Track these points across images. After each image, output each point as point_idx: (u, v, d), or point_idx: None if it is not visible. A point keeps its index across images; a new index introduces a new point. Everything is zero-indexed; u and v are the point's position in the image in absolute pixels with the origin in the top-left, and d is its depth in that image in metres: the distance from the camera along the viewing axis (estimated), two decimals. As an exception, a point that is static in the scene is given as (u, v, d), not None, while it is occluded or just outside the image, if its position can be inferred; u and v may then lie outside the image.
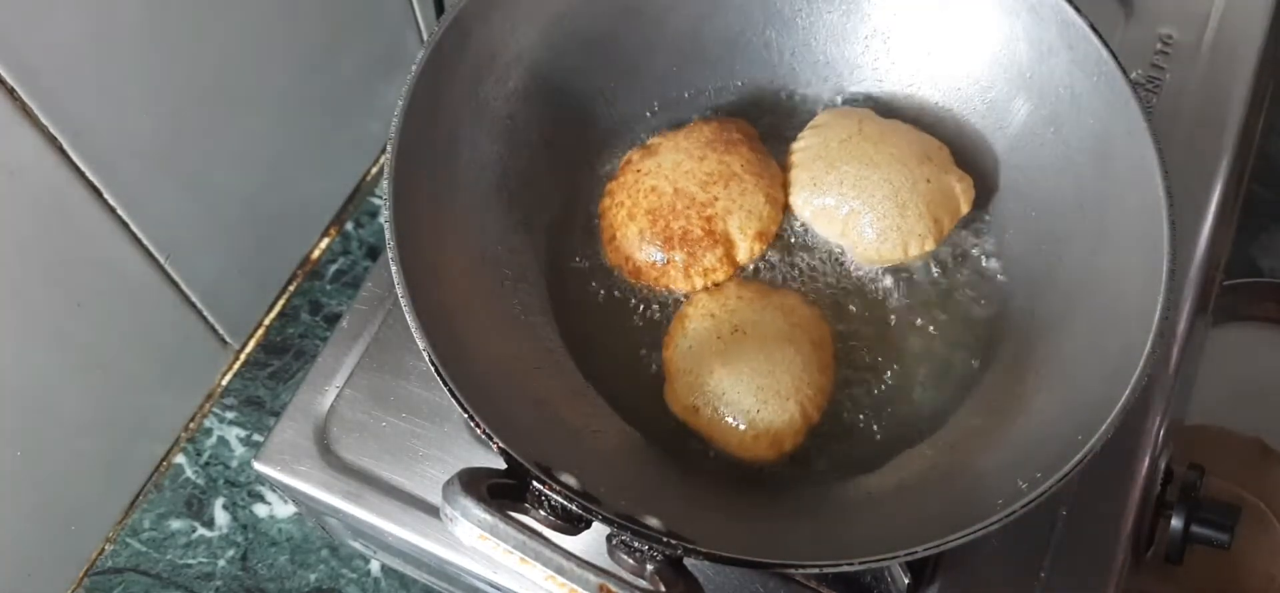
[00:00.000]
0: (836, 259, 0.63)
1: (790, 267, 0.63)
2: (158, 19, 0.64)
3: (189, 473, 0.79)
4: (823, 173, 0.62)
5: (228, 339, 0.81)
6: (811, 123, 0.65)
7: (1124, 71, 0.56)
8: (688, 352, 0.58)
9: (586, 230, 0.64)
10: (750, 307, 0.59)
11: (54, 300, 0.65)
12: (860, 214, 0.61)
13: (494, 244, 0.60)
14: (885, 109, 0.65)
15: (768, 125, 0.66)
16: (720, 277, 0.61)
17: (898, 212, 0.60)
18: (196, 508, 0.78)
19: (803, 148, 0.64)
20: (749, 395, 0.57)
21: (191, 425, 0.80)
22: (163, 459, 0.79)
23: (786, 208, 0.63)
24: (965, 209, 0.61)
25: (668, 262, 0.60)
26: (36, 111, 0.59)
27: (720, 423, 0.57)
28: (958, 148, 0.63)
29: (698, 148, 0.62)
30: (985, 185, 0.63)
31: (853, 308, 0.61)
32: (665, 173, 0.62)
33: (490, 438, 0.47)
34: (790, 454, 0.57)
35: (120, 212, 0.67)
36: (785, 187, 0.63)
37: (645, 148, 0.64)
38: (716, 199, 0.61)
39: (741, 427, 0.57)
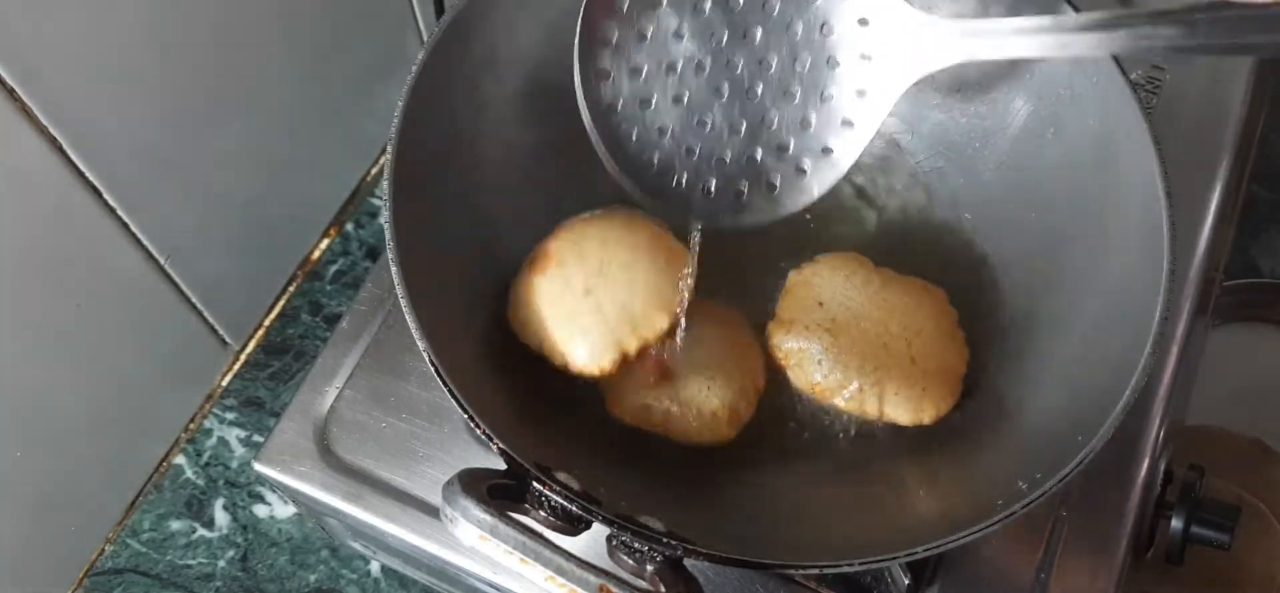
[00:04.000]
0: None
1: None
2: (158, 20, 0.64)
3: (189, 474, 0.79)
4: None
5: (228, 340, 0.81)
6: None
7: (1124, 72, 0.56)
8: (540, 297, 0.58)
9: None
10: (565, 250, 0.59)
11: (54, 301, 0.65)
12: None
13: (494, 244, 0.60)
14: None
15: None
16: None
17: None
18: (196, 509, 0.78)
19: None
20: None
21: (191, 426, 0.80)
22: (163, 460, 0.79)
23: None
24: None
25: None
26: (37, 113, 0.59)
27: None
28: (957, 148, 0.64)
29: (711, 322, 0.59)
30: (986, 184, 0.63)
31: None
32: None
33: (490, 439, 0.47)
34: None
35: (120, 212, 0.67)
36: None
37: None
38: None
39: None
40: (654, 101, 0.52)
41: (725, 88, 0.52)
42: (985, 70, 0.63)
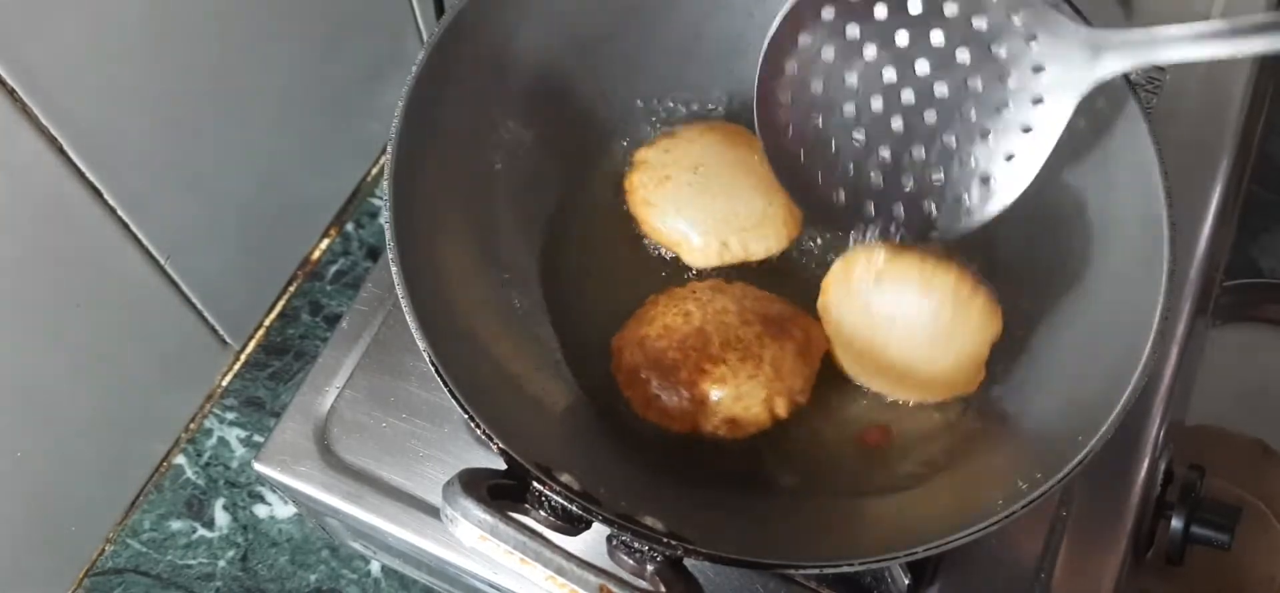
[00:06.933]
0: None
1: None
2: (158, 19, 0.64)
3: (189, 474, 0.79)
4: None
5: (228, 340, 0.81)
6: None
7: (1125, 72, 0.56)
8: (652, 188, 0.62)
9: (586, 231, 0.64)
10: (691, 142, 0.62)
11: (54, 301, 0.65)
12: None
13: (493, 244, 0.60)
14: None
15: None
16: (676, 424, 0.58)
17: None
18: (197, 509, 0.78)
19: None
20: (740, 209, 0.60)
21: (192, 426, 0.80)
22: (163, 460, 0.79)
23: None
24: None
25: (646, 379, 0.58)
26: (37, 112, 0.59)
27: (709, 248, 0.60)
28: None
29: (745, 302, 0.59)
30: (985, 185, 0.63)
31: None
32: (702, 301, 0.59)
33: (490, 439, 0.47)
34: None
35: (120, 212, 0.67)
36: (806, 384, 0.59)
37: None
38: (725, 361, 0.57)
39: (730, 241, 0.60)
40: (821, 124, 0.54)
41: (895, 115, 0.53)
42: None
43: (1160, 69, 0.74)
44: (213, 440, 0.80)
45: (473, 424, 0.48)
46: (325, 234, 0.87)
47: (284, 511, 0.77)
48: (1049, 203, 0.60)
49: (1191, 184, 0.69)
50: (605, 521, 0.46)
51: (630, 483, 0.53)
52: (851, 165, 0.55)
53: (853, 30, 0.53)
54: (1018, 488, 0.48)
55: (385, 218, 0.52)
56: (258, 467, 0.64)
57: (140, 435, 0.77)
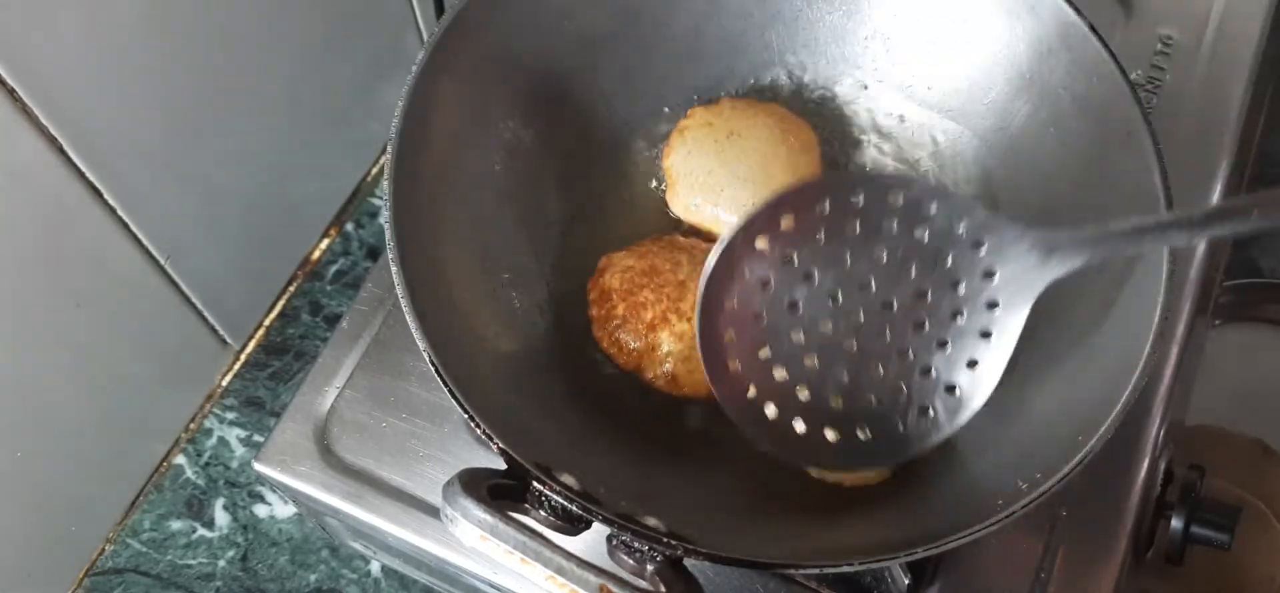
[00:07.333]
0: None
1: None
2: (158, 19, 0.64)
3: (189, 473, 0.79)
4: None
5: (228, 340, 0.81)
6: None
7: (1124, 72, 0.56)
8: (687, 156, 0.63)
9: (586, 230, 0.64)
10: (742, 114, 0.64)
11: (54, 301, 0.65)
12: None
13: (494, 244, 0.60)
14: (884, 108, 0.66)
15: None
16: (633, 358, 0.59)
17: None
18: (197, 508, 0.78)
19: None
20: (745, 189, 0.62)
21: (192, 426, 0.80)
22: (163, 460, 0.79)
23: None
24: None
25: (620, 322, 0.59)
26: (37, 112, 0.59)
27: (719, 220, 0.62)
28: (956, 149, 0.63)
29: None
30: (986, 186, 0.63)
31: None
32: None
33: (490, 438, 0.47)
34: None
35: (120, 212, 0.67)
36: None
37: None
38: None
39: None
40: (770, 355, 0.51)
41: (848, 336, 0.50)
42: (985, 72, 0.63)
43: (1160, 69, 0.74)
44: (213, 440, 0.80)
45: (473, 424, 0.48)
46: (325, 234, 0.87)
47: (284, 510, 0.77)
48: (1049, 203, 0.60)
49: (1191, 184, 0.69)
50: (605, 521, 0.46)
51: (630, 483, 0.53)
52: (807, 392, 0.51)
53: (793, 257, 0.49)
54: (1018, 488, 0.48)
55: (385, 218, 0.52)
56: (258, 467, 0.64)
57: (140, 435, 0.77)
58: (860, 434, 0.51)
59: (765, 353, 0.51)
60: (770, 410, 0.51)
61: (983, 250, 0.48)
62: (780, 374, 0.51)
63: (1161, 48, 0.75)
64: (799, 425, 0.51)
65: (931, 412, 0.50)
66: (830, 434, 0.51)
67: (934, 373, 0.50)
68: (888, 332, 0.50)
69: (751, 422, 0.51)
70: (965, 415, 0.50)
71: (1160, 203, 0.52)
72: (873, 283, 0.50)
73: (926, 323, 0.50)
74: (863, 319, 0.50)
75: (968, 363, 0.50)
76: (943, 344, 0.50)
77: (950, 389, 0.50)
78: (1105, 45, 0.56)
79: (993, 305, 0.49)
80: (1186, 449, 0.71)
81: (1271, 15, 0.77)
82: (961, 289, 0.49)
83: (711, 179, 0.63)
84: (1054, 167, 0.60)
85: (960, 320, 0.50)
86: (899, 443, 0.51)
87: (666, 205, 0.65)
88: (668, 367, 0.58)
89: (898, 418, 0.51)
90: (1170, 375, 0.65)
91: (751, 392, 0.51)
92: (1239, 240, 0.96)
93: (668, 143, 0.65)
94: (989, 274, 0.49)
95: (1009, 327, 0.49)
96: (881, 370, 0.50)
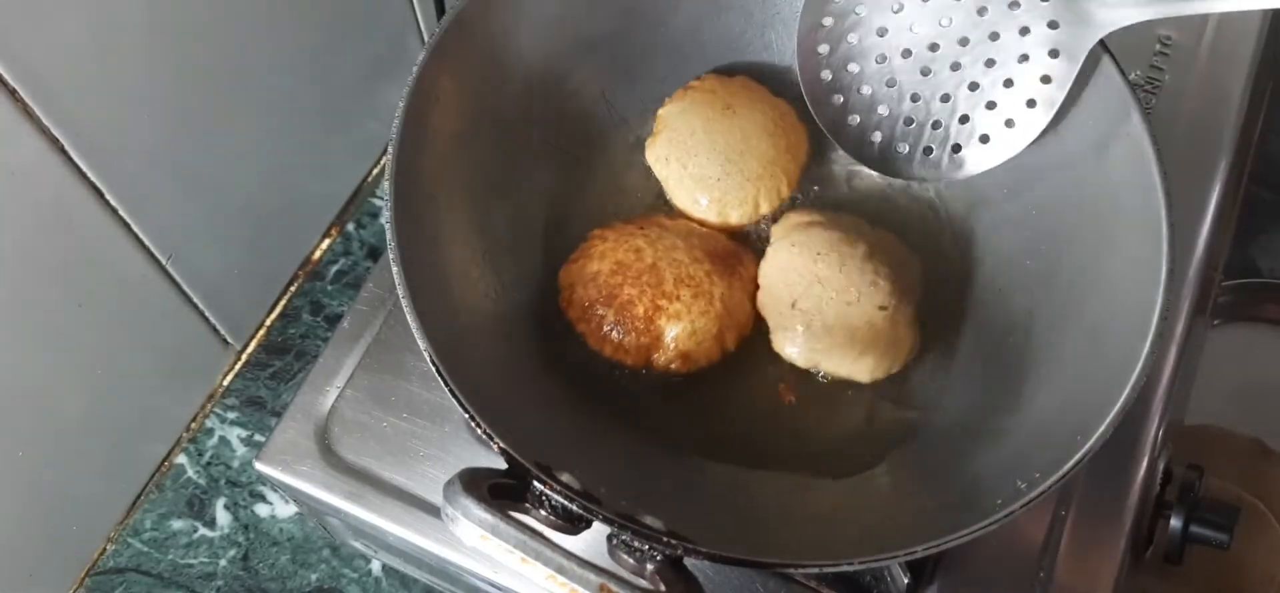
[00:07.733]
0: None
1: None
2: (159, 20, 0.64)
3: (190, 473, 0.79)
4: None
5: (229, 340, 0.81)
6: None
7: (1124, 72, 0.56)
8: (681, 112, 0.65)
9: (586, 229, 0.64)
10: (748, 97, 0.65)
11: (55, 301, 0.65)
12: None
13: (494, 244, 0.60)
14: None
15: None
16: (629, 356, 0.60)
17: None
18: (198, 508, 0.78)
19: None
20: (715, 164, 0.63)
21: (193, 426, 0.80)
22: (164, 459, 0.79)
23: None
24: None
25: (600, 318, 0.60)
26: (38, 113, 0.59)
27: (682, 181, 0.63)
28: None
29: (692, 239, 0.62)
30: (985, 185, 0.63)
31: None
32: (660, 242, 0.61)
33: (490, 438, 0.48)
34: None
35: (122, 212, 0.67)
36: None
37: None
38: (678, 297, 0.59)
39: (701, 198, 0.63)
40: (857, 71, 0.59)
41: (925, 63, 0.58)
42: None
43: (1160, 69, 0.74)
44: (214, 440, 0.80)
45: (473, 424, 0.48)
46: (326, 234, 0.87)
47: (285, 510, 0.77)
48: (1049, 202, 0.60)
49: (1191, 184, 0.69)
50: (606, 520, 0.46)
51: (630, 483, 0.53)
52: (885, 108, 0.59)
53: None
54: (1017, 488, 0.48)
55: (386, 218, 0.52)
56: (259, 466, 0.64)
57: (141, 435, 0.77)
58: (929, 149, 0.60)
59: (854, 68, 0.59)
60: (854, 119, 0.60)
61: (1049, 3, 0.55)
62: (865, 89, 0.59)
63: (1161, 48, 0.75)
64: (876, 137, 0.60)
65: (991, 138, 0.59)
66: (902, 146, 0.60)
67: (997, 105, 0.58)
68: (961, 63, 0.58)
69: (838, 130, 0.61)
70: (1019, 144, 0.58)
71: (1160, 203, 0.52)
72: (950, 18, 0.57)
73: (996, 61, 0.57)
74: (941, 50, 0.58)
75: (1027, 102, 0.57)
76: (1009, 83, 0.57)
77: (1010, 123, 0.58)
78: (1105, 46, 0.56)
79: (1054, 54, 0.56)
80: (1185, 449, 0.71)
81: (1269, 16, 0.77)
82: (1029, 36, 0.56)
83: (692, 140, 0.64)
84: (1054, 166, 0.60)
85: (1026, 64, 0.57)
86: (958, 162, 0.60)
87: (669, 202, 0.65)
88: (676, 348, 0.59)
89: (961, 140, 0.59)
90: (1169, 375, 0.65)
91: (837, 99, 0.60)
92: (1238, 240, 0.96)
93: (672, 97, 0.66)
94: (1053, 24, 0.56)
95: (1065, 74, 0.56)
96: (952, 98, 0.59)
